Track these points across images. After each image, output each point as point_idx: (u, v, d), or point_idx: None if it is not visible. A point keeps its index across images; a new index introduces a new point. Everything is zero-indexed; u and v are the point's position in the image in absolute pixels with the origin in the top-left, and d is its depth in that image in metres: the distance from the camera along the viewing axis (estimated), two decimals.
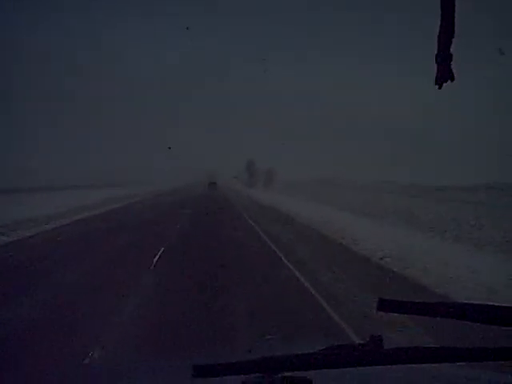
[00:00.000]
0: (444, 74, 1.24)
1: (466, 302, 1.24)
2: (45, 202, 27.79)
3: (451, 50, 1.23)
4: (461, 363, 1.32)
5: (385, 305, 1.20)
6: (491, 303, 1.19)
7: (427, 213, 28.09)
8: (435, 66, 1.24)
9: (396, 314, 2.96)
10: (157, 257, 10.82)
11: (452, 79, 1.25)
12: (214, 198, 45.78)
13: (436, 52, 1.24)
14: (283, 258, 11.29)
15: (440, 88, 1.27)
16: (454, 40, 1.22)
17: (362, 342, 1.21)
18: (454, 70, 1.23)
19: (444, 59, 1.23)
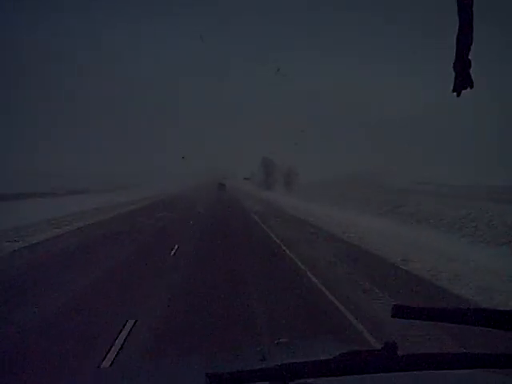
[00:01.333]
0: (463, 82, 1.22)
1: (485, 307, 1.97)
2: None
3: (469, 56, 1.21)
4: (477, 369, 1.29)
5: (400, 311, 1.19)
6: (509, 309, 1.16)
7: None
8: (453, 74, 1.23)
9: None
10: None
11: (471, 86, 1.23)
12: (225, 212, 29.18)
13: (454, 59, 1.22)
14: None
15: (458, 96, 1.25)
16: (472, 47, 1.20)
17: (376, 348, 1.19)
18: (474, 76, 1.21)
19: (463, 67, 1.22)
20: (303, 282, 9.47)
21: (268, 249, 13.93)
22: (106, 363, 4.95)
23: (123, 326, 6.13)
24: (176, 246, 13.44)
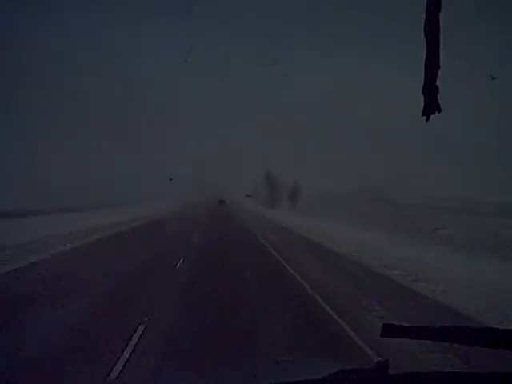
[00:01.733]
0: (432, 107, 1.24)
1: (475, 326, 1.67)
2: None
3: (437, 82, 1.23)
4: None
5: (389, 330, 1.20)
6: (497, 327, 1.29)
7: None
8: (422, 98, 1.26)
9: None
10: None
11: (439, 111, 1.25)
12: (229, 245, 20.11)
13: (423, 84, 1.24)
14: None
15: (427, 120, 1.27)
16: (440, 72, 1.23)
17: (368, 367, 1.19)
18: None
19: (431, 92, 1.24)
20: None
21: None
22: None
23: None
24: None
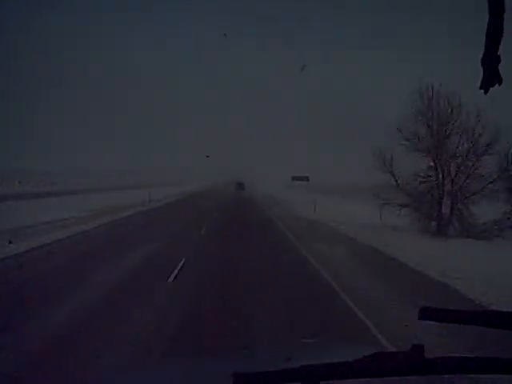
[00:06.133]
0: (491, 78, 1.16)
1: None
2: None
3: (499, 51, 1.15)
4: (509, 375, 1.22)
5: (426, 313, 1.20)
6: None
7: None
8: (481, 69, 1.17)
9: None
10: None
11: (500, 83, 1.17)
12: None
13: (482, 54, 1.17)
14: None
15: (486, 93, 1.18)
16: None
17: (403, 350, 1.17)
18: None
19: (491, 62, 1.16)
20: None
21: None
22: None
23: None
24: None
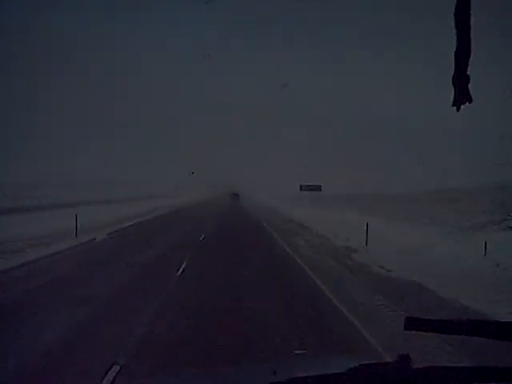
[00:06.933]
0: (462, 96, 1.21)
1: (502, 320, 1.17)
2: None
3: (468, 71, 1.20)
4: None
5: (412, 323, 1.18)
6: None
7: None
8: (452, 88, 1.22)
9: None
10: None
11: (470, 101, 1.22)
12: None
13: (452, 73, 1.21)
14: None
15: (458, 110, 1.23)
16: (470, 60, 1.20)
17: (389, 360, 1.18)
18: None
19: (462, 81, 1.20)
20: None
21: None
22: None
23: None
24: None
